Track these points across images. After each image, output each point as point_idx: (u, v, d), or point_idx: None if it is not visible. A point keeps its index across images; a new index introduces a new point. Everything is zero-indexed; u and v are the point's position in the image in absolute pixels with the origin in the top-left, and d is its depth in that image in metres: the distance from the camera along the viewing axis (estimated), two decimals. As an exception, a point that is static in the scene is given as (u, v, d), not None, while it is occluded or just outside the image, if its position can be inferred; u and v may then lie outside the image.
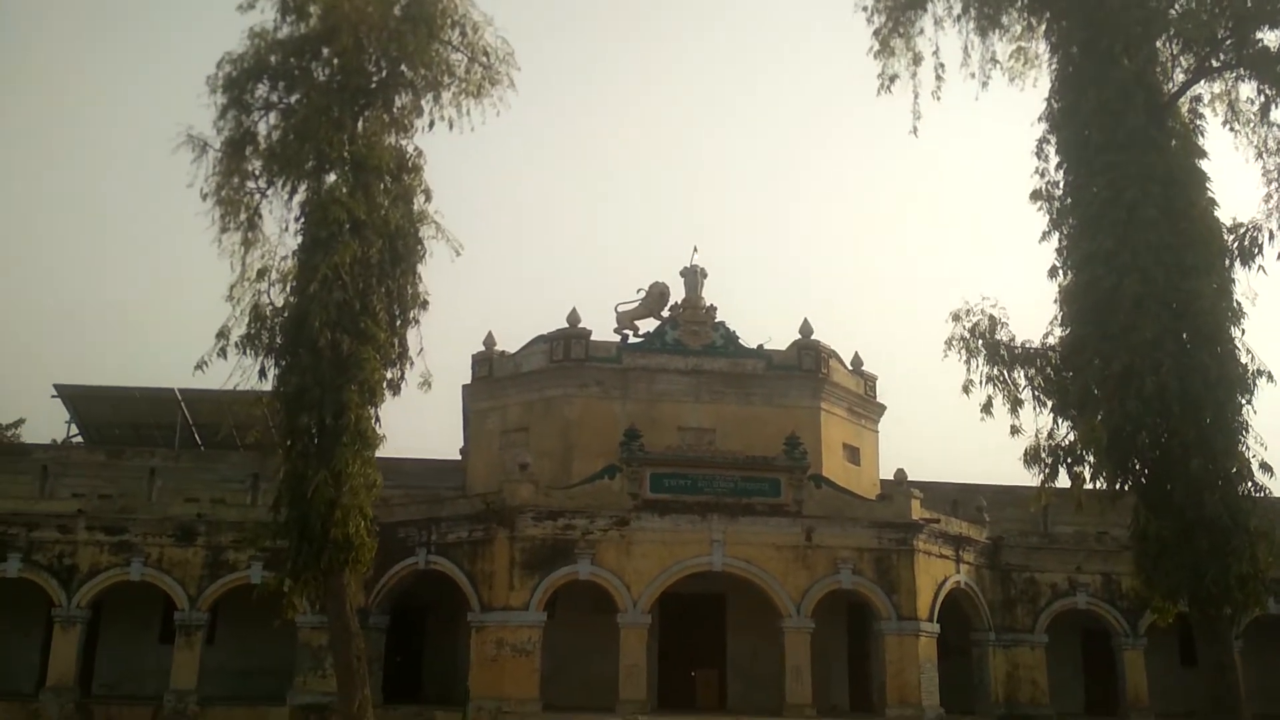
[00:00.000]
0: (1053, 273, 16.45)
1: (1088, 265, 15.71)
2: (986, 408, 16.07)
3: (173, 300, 63.09)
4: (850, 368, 28.38)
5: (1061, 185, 16.56)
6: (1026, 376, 16.23)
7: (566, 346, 26.17)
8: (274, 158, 17.28)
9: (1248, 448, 14.64)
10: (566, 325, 26.39)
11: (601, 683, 21.60)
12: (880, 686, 22.65)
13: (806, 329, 27.02)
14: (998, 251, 64.13)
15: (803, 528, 22.54)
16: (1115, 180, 15.40)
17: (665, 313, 26.95)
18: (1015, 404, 16.06)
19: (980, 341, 16.34)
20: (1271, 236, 15.44)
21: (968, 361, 16.31)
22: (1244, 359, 14.99)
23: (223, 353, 16.24)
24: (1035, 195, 16.77)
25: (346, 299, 16.33)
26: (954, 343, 16.43)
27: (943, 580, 23.85)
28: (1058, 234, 16.50)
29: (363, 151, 17.04)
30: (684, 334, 26.47)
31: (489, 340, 27.76)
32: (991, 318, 16.44)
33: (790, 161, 73.42)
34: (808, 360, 26.69)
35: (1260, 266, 15.45)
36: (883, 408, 29.15)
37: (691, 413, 25.77)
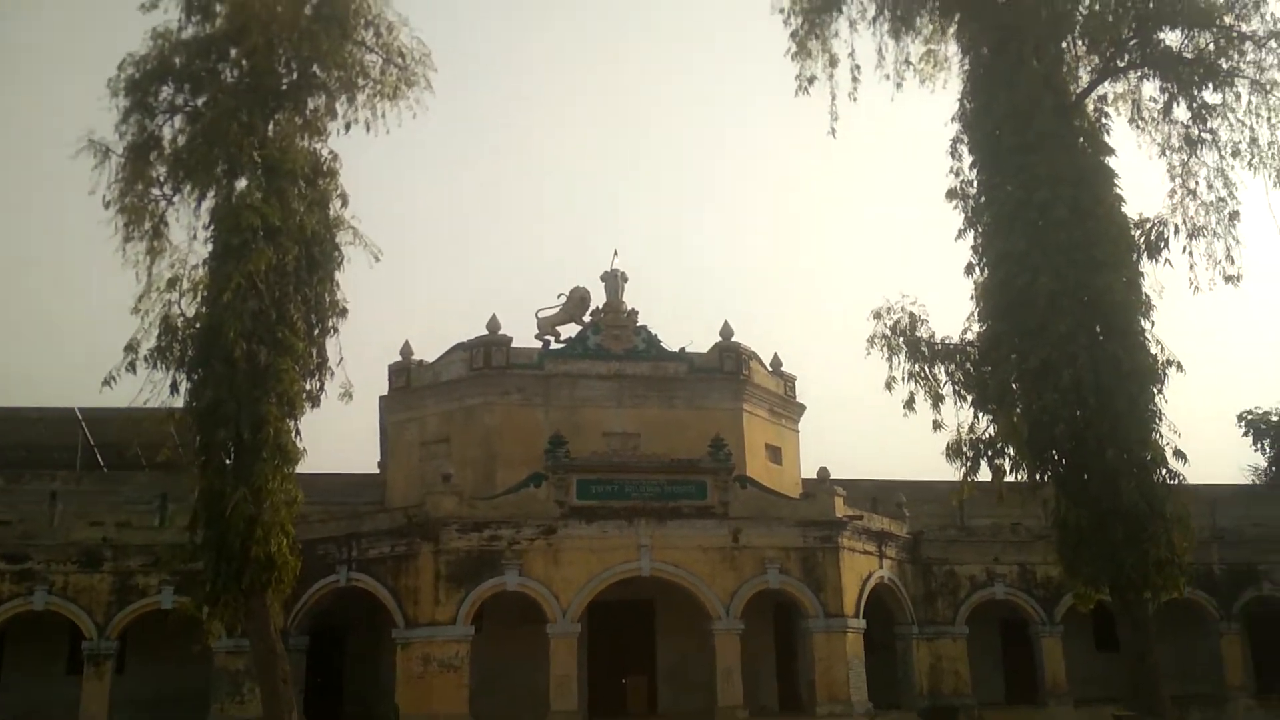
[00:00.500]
0: (969, 270, 16.80)
1: (1002, 264, 16.08)
2: (909, 404, 16.32)
3: (71, 316, 60.56)
4: (770, 369, 28.63)
5: (975, 184, 16.93)
6: (947, 372, 16.52)
7: (486, 354, 25.82)
8: (180, 163, 16.60)
9: (1161, 436, 15.13)
10: (486, 332, 26.02)
11: (532, 694, 21.31)
12: (809, 684, 22.77)
13: (727, 331, 27.16)
14: (913, 249, 65.56)
15: (729, 529, 22.57)
16: (1027, 182, 15.81)
17: (586, 318, 26.77)
18: (936, 399, 16.33)
19: (901, 339, 16.61)
20: (1176, 231, 16.09)
21: (890, 359, 16.55)
22: (1154, 350, 15.51)
23: (131, 367, 15.44)
24: (950, 194, 17.13)
25: (262, 308, 15.74)
26: (876, 340, 16.66)
27: (867, 576, 24.14)
28: (973, 232, 16.85)
29: (275, 155, 16.47)
30: (606, 339, 26.35)
31: (406, 350, 27.22)
32: (912, 315, 16.73)
33: (708, 164, 74.05)
34: (729, 362, 26.84)
35: (1166, 260, 16.09)
36: (802, 407, 29.47)
37: (615, 418, 25.64)
